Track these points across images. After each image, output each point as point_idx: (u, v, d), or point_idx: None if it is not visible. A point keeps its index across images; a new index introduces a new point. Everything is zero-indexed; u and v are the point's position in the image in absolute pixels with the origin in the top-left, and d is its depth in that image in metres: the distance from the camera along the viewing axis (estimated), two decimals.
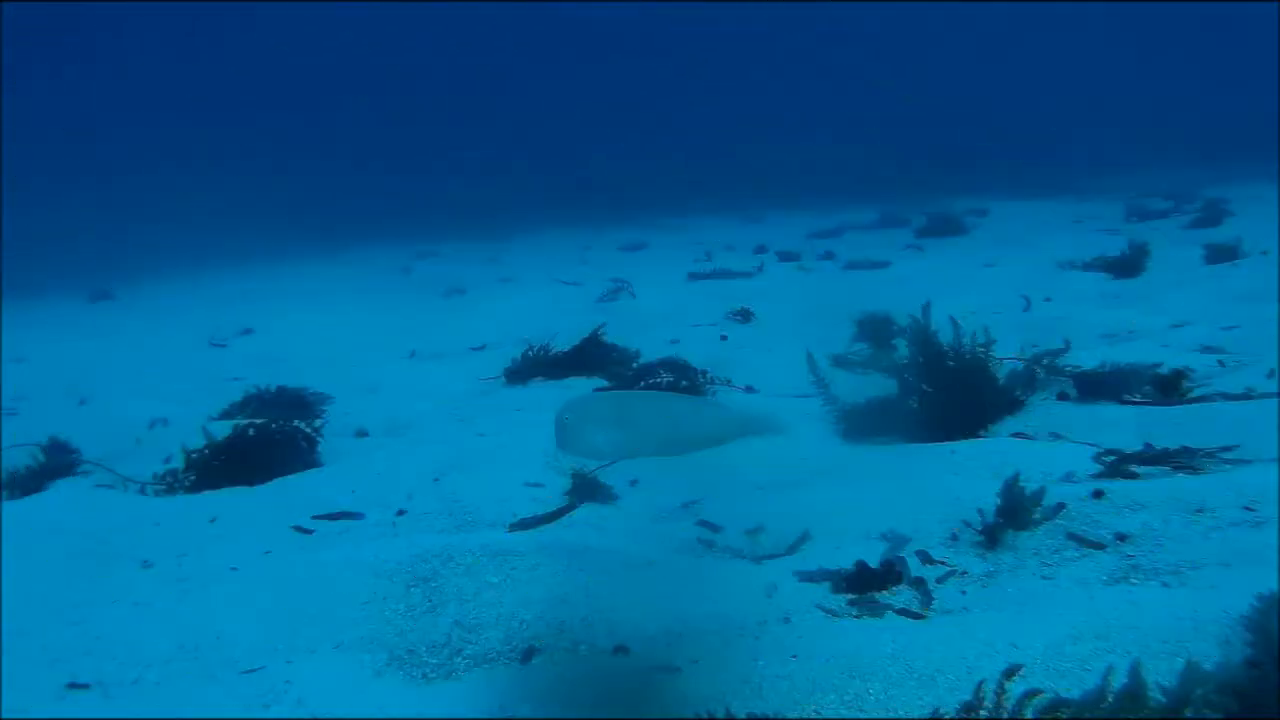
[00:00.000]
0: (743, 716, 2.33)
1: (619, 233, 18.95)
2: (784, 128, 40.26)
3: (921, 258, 12.39)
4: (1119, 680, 2.16)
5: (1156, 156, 23.14)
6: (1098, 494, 3.40)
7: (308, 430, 5.12)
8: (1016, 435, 4.44)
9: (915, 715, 2.35)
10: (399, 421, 5.96)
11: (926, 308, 4.53)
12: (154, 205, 27.15)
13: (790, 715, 2.39)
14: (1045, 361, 5.26)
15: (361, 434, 5.71)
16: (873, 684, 2.46)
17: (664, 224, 20.26)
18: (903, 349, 4.86)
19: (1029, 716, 2.16)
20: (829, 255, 13.15)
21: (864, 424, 4.71)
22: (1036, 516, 3.29)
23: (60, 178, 35.99)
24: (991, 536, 3.25)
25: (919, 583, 3.05)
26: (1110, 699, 2.13)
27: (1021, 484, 3.31)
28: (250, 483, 4.66)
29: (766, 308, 8.62)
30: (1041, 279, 9.20)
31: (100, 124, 47.56)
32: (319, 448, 5.13)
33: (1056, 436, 4.37)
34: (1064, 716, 2.14)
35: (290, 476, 4.72)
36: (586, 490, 4.10)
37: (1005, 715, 2.18)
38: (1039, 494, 3.31)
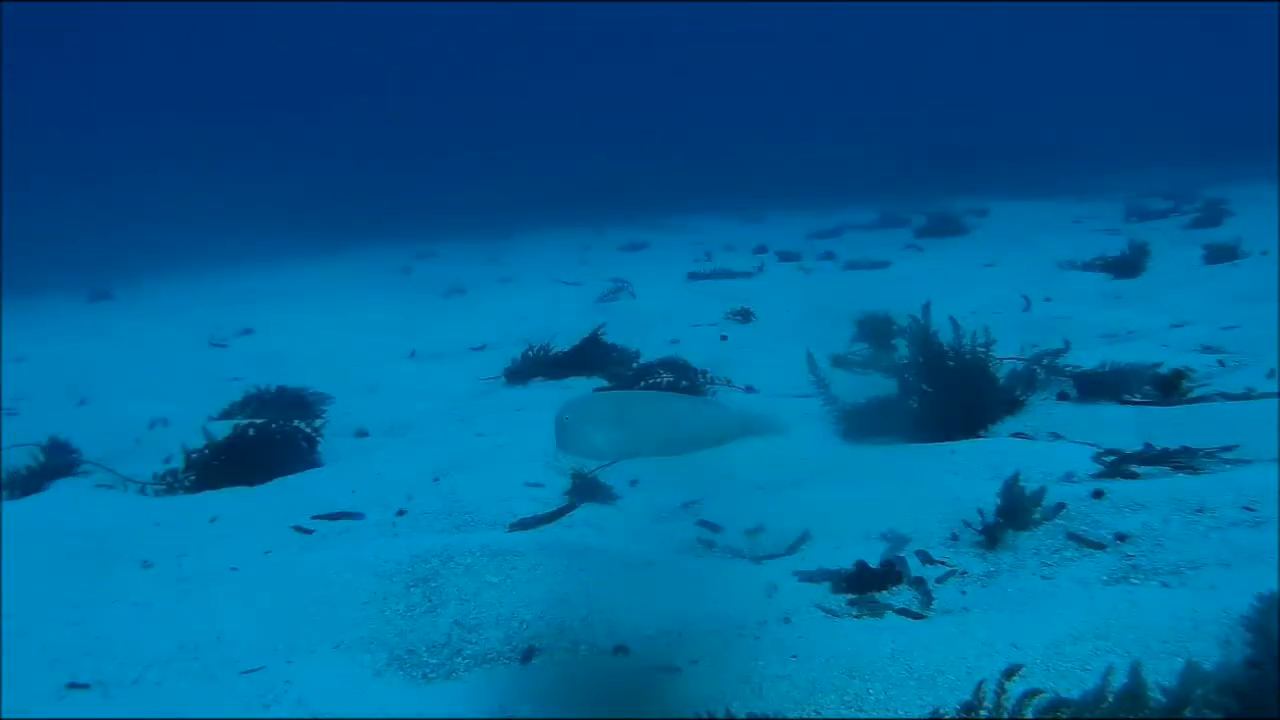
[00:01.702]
0: (743, 716, 2.33)
1: (619, 233, 18.94)
2: (784, 128, 40.33)
3: (921, 258, 12.39)
4: (1119, 680, 2.16)
5: (1156, 156, 23.14)
6: (1098, 494, 3.40)
7: (308, 430, 5.12)
8: (1016, 435, 4.43)
9: (915, 715, 2.35)
10: (399, 421, 5.96)
11: (926, 308, 4.52)
12: (154, 205, 27.19)
13: (790, 715, 2.39)
14: (1045, 361, 5.26)
15: (361, 434, 5.71)
16: (873, 684, 2.46)
17: (664, 224, 20.24)
18: (903, 349, 4.86)
19: (1029, 716, 2.16)
20: (829, 255, 13.14)
21: (864, 424, 4.70)
22: (1036, 516, 3.29)
23: (60, 178, 36.03)
24: (991, 536, 3.25)
25: (919, 583, 3.05)
26: (1110, 699, 2.13)
27: (1021, 484, 3.31)
28: (250, 483, 4.66)
29: (766, 308, 8.62)
30: (1041, 279, 9.20)
31: (100, 124, 47.63)
32: (319, 448, 5.13)
33: (1056, 436, 4.37)
34: (1064, 716, 2.14)
35: (290, 476, 4.72)
36: (586, 490, 4.09)
37: (1005, 715, 2.18)
38: (1039, 494, 3.31)
